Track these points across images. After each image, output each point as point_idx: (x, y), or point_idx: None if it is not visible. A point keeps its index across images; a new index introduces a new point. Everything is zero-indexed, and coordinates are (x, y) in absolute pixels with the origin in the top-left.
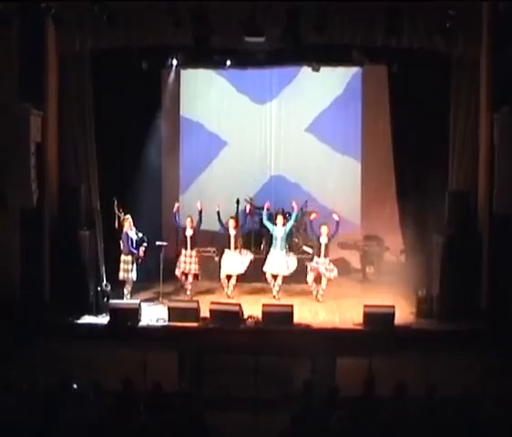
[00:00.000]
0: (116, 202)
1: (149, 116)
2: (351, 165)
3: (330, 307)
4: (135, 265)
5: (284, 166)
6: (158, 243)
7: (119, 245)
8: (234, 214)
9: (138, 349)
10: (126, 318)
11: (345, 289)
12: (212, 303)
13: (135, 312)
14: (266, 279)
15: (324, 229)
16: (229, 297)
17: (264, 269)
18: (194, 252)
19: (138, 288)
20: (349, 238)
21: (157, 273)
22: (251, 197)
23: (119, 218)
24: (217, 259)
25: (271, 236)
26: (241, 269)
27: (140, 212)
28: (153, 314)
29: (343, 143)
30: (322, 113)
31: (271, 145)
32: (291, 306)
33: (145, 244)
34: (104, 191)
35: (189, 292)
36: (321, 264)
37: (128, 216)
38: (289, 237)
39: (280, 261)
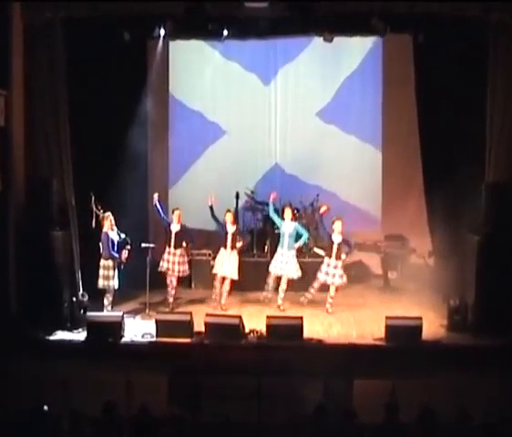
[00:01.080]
0: (93, 197)
1: (133, 95)
2: (369, 152)
3: (346, 319)
4: (116, 271)
5: (291, 154)
6: (143, 245)
7: (98, 247)
8: (233, 208)
9: (120, 369)
10: (106, 333)
11: (364, 298)
12: (208, 316)
13: (117, 326)
14: (267, 283)
15: (338, 225)
16: (222, 307)
17: (270, 268)
18: (179, 251)
19: (120, 298)
20: (368, 238)
21: (143, 280)
22: (252, 190)
23: (98, 215)
24: (213, 262)
25: (278, 233)
26: (234, 273)
27: (123, 209)
28: (138, 329)
29: (359, 127)
30: (335, 92)
31: (276, 130)
32: (301, 318)
33: (128, 246)
34: (80, 184)
35: (171, 299)
36: (332, 267)
37: (109, 213)
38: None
39: (287, 261)
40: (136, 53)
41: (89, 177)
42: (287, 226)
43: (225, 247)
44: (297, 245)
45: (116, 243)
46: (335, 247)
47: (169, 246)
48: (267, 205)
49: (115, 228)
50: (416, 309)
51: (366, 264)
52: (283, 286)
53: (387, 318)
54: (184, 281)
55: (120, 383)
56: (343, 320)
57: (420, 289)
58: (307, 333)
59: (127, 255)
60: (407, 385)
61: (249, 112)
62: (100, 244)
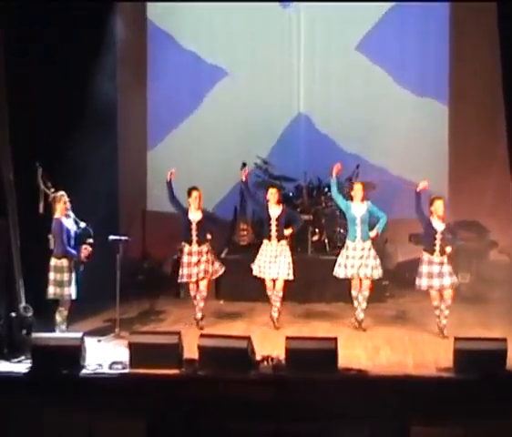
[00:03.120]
0: (41, 170)
1: (96, 24)
2: (432, 109)
3: (398, 341)
4: (74, 274)
5: (319, 107)
6: (112, 238)
7: (48, 241)
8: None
9: (80, 412)
10: (59, 362)
11: (423, 310)
12: (204, 337)
13: (75, 353)
14: (355, 298)
15: (439, 207)
16: (275, 327)
17: (339, 273)
18: (205, 247)
19: (79, 312)
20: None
21: (111, 287)
22: (265, 159)
23: (47, 196)
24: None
25: (347, 219)
26: (289, 272)
27: (83, 187)
28: (105, 356)
29: (417, 74)
30: (380, 22)
31: (299, 69)
32: (335, 340)
33: (90, 240)
34: (21, 153)
35: (199, 314)
36: (436, 265)
37: (62, 193)
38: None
39: (367, 256)
40: None
41: (35, 144)
42: (358, 208)
43: (269, 238)
44: (374, 233)
45: (73, 235)
46: (438, 237)
47: (190, 243)
48: (293, 181)
49: (71, 213)
50: (499, 327)
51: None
52: (365, 292)
53: (457, 339)
54: (167, 288)
55: (79, 431)
56: (395, 341)
57: (504, 298)
58: (344, 361)
59: (88, 252)
60: (486, 432)
61: (260, 45)
62: (50, 236)
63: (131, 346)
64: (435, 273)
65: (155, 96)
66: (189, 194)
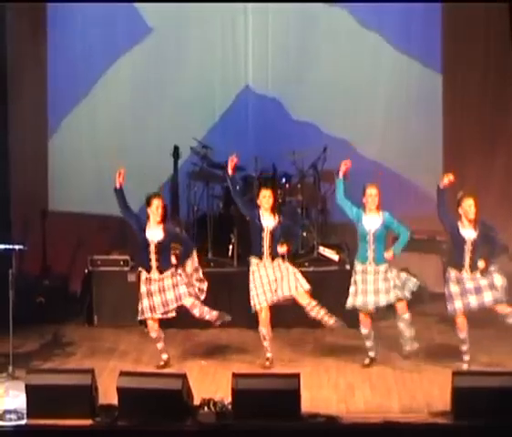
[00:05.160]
0: None
1: None
2: (423, 77)
3: (378, 376)
4: None
5: (275, 73)
6: (2, 247)
7: None
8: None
9: None
10: None
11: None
12: (124, 375)
13: None
14: (367, 339)
15: (469, 206)
16: (266, 366)
17: (352, 303)
18: (169, 274)
19: None
20: (421, 228)
21: (2, 312)
22: (203, 143)
23: None
24: (131, 276)
25: (360, 236)
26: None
27: None
28: None
29: (402, 31)
30: None
31: (247, 26)
32: (297, 376)
33: None
34: None
35: (165, 355)
36: (469, 280)
37: None
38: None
39: (386, 281)
40: None
41: None
42: (370, 220)
43: (260, 256)
44: (389, 254)
45: None
46: (468, 248)
47: (149, 269)
48: (239, 170)
49: None
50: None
51: (415, 275)
52: (405, 315)
53: (455, 374)
54: (76, 312)
55: None
56: (374, 378)
57: None
58: (309, 405)
59: None
60: None
61: None
62: None
63: (29, 389)
64: (470, 289)
65: (56, 63)
66: (149, 203)
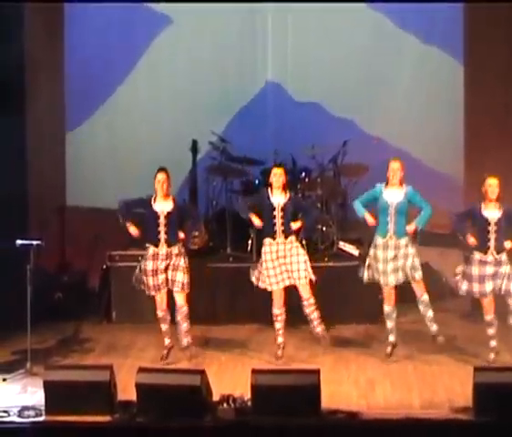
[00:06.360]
0: None
1: None
2: (443, 65)
3: (399, 372)
4: None
5: (300, 69)
6: (20, 242)
7: None
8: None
9: None
10: None
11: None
12: (143, 372)
13: None
14: (389, 328)
15: (493, 187)
16: (277, 357)
17: (367, 277)
18: (176, 250)
19: None
20: (441, 221)
21: (19, 309)
22: (222, 136)
23: None
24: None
25: (381, 209)
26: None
27: None
28: (13, 399)
29: (423, 19)
30: None
31: (267, 22)
32: (317, 372)
33: None
34: None
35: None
36: (492, 265)
37: None
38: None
39: (405, 258)
40: None
41: None
42: (393, 193)
43: (273, 235)
44: (412, 227)
45: None
46: (492, 229)
47: (157, 243)
48: (259, 164)
49: None
50: None
51: (436, 270)
52: (424, 296)
53: (477, 370)
54: (94, 308)
55: None
56: (395, 373)
57: None
58: (329, 401)
59: None
60: None
61: None
62: None
63: (47, 386)
64: (489, 275)
65: (74, 58)
66: (154, 177)
